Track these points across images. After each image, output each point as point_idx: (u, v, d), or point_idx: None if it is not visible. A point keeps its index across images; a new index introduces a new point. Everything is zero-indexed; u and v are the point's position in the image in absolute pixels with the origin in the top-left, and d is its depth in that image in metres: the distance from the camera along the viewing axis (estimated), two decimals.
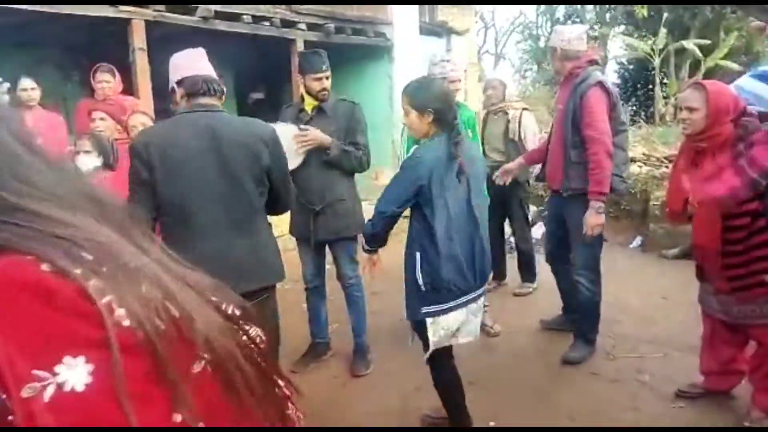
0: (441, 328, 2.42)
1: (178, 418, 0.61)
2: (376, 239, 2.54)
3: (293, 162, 3.14)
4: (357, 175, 3.42)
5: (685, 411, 2.83)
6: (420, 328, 2.46)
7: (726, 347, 2.79)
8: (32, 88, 4.13)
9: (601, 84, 3.25)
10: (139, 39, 5.07)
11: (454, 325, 2.44)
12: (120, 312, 0.59)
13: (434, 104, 2.35)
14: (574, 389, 3.12)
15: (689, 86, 2.71)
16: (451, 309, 2.40)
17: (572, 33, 3.41)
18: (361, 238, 2.67)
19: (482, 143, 4.37)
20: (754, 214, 2.43)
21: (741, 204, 2.43)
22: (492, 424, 2.78)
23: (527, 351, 3.62)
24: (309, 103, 3.28)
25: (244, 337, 0.72)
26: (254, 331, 0.75)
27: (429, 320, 2.40)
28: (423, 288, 2.36)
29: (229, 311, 0.72)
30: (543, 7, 18.68)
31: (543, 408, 2.94)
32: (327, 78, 3.21)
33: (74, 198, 0.66)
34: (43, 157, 0.66)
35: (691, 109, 2.50)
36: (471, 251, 2.40)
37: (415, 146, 2.51)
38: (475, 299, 2.49)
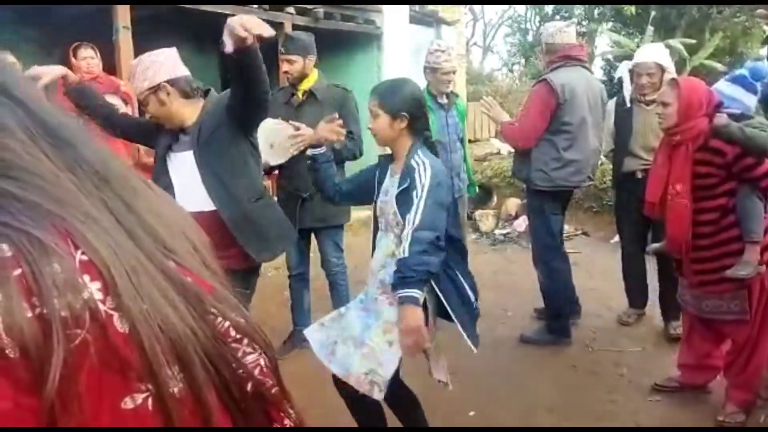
0: None
1: None
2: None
3: (281, 157, 3.11)
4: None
5: (662, 404, 2.88)
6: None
7: (702, 342, 2.84)
8: (12, 64, 4.02)
9: (545, 82, 3.31)
10: (123, 17, 4.96)
11: None
12: None
13: (410, 109, 2.07)
14: (553, 380, 3.16)
15: (666, 83, 2.83)
16: None
17: (554, 27, 3.52)
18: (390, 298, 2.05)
19: None
20: (723, 210, 2.53)
21: (712, 198, 2.52)
22: (472, 413, 2.80)
23: (508, 341, 3.65)
24: (299, 88, 3.25)
25: (234, 364, 0.59)
26: (253, 356, 0.61)
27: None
28: (476, 307, 2.19)
29: (223, 328, 0.59)
30: None
31: (522, 398, 2.97)
32: (289, 62, 3.23)
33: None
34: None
35: (665, 104, 2.62)
36: None
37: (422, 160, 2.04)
38: None
